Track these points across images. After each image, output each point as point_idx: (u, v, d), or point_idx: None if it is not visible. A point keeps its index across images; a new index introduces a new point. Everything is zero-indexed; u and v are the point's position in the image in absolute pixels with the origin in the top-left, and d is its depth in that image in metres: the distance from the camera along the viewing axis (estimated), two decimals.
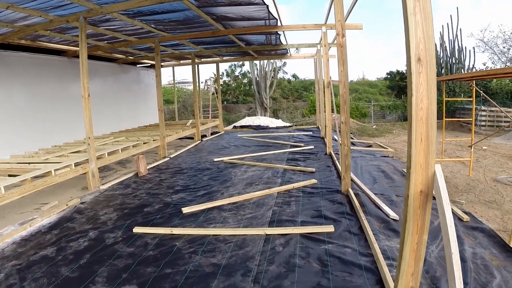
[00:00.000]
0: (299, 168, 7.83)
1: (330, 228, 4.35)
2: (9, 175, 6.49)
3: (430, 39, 1.97)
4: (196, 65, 15.20)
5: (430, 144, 2.01)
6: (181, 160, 9.88)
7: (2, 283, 3.54)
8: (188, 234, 4.48)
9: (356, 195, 5.52)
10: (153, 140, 10.23)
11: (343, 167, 5.79)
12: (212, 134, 16.35)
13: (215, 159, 9.44)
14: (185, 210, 5.39)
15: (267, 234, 4.31)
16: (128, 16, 7.88)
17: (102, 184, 7.37)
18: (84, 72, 6.97)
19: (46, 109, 10.52)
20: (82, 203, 6.19)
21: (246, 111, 29.72)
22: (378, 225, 4.49)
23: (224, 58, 16.81)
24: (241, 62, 32.73)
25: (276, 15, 8.37)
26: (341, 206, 5.21)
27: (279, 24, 9.26)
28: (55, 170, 6.46)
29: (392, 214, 4.72)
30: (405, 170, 7.32)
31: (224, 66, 34.80)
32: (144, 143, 9.78)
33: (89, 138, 7.12)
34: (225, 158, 9.38)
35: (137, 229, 4.73)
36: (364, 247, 3.85)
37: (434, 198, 2.14)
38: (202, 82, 21.19)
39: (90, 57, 12.09)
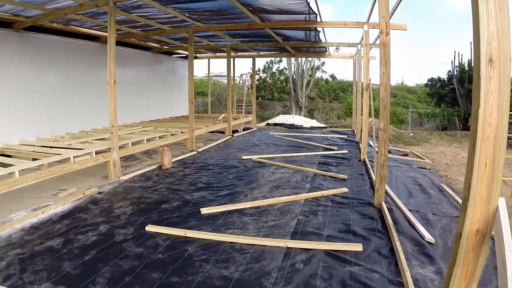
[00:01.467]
0: (330, 173, 7.35)
1: (358, 247, 3.89)
2: (34, 159, 6.38)
3: (505, 34, 1.52)
4: (231, 59, 14.89)
5: (496, 171, 1.56)
6: (209, 155, 9.58)
7: (1, 272, 3.35)
8: (203, 239, 4.13)
9: (390, 210, 5.02)
10: (181, 133, 9.97)
11: (378, 178, 5.30)
12: (244, 130, 16.06)
13: (244, 157, 9.09)
14: (204, 211, 5.06)
15: (288, 247, 3.90)
16: (161, 3, 7.62)
17: (124, 175, 7.17)
18: (111, 58, 6.74)
19: (76, 93, 10.47)
20: (99, 193, 5.98)
21: (281, 108, 29.27)
22: (411, 247, 3.98)
23: (260, 53, 16.48)
24: (278, 59, 32.40)
25: (315, 10, 7.92)
26: (372, 222, 4.73)
27: (318, 19, 8.76)
28: (74, 157, 6.27)
29: (428, 236, 4.21)
30: (442, 184, 6.80)
31: (261, 62, 34.58)
32: (171, 135, 9.54)
33: (113, 126, 6.91)
34: (254, 157, 9.02)
35: (149, 228, 4.44)
36: (394, 273, 3.39)
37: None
38: (238, 77, 20.92)
39: (125, 44, 12.17)
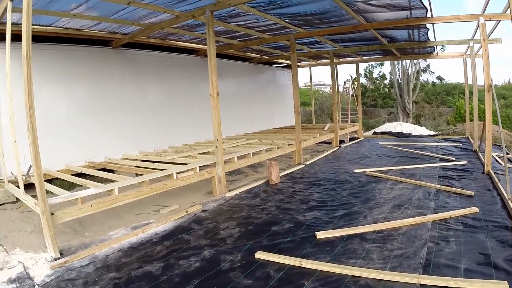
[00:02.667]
0: (454, 189, 6.60)
1: (503, 285, 3.25)
2: (136, 174, 6.50)
3: None
4: (334, 65, 14.45)
5: None
6: (317, 168, 9.27)
7: None
8: (321, 271, 3.70)
9: None
10: (288, 145, 9.77)
11: None
12: (350, 140, 15.56)
13: (356, 170, 8.64)
14: (320, 235, 4.70)
15: (421, 284, 3.36)
16: (260, 9, 7.49)
17: (229, 191, 7.09)
18: (212, 70, 6.73)
19: (178, 106, 10.86)
20: (203, 211, 5.91)
21: (386, 116, 27.95)
22: None
23: (364, 57, 15.94)
24: (380, 63, 31.12)
25: (426, 4, 7.18)
26: None
27: (428, 15, 7.88)
28: (177, 173, 6.27)
29: None
30: None
31: (360, 67, 33.63)
32: (278, 148, 9.37)
33: (217, 140, 6.86)
34: (367, 170, 8.54)
35: (259, 254, 4.14)
36: None
37: None
38: (340, 84, 20.42)
39: (224, 56, 12.51)
